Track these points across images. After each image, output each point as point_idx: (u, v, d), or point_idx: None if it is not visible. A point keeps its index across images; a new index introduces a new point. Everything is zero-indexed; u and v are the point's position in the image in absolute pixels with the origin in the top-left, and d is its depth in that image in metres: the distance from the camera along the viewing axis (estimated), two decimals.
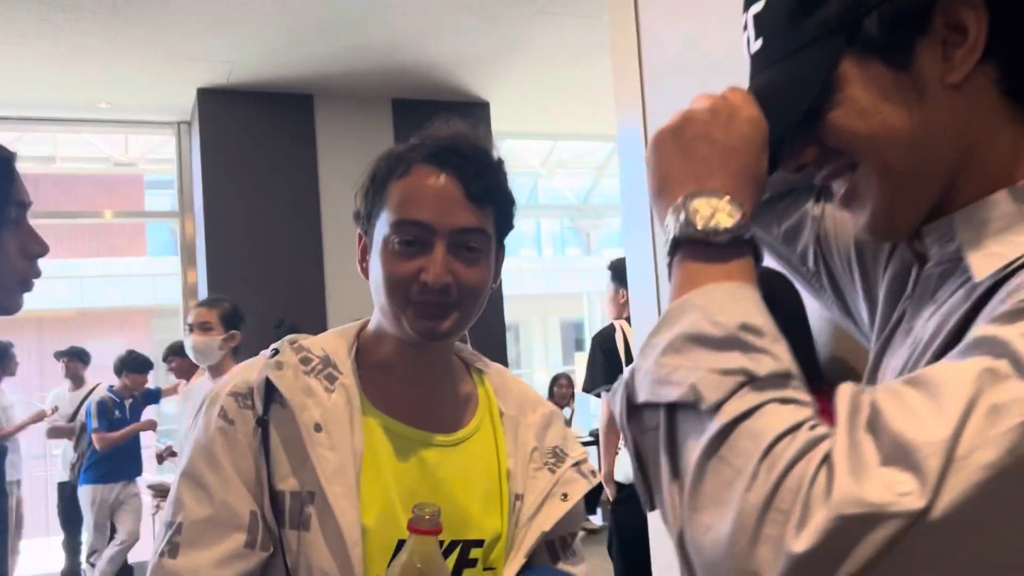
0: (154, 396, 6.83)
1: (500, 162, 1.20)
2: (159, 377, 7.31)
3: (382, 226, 1.15)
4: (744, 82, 0.82)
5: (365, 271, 1.20)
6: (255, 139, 6.42)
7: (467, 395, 1.26)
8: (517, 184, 6.87)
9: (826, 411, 1.68)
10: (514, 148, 9.32)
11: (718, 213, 0.69)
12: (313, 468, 1.07)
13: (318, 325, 6.21)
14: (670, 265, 0.72)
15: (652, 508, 0.65)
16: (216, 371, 3.65)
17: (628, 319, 3.98)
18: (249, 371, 1.15)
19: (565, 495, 1.20)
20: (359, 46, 5.75)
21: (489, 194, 1.16)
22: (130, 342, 6.83)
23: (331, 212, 6.50)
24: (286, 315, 5.79)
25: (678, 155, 0.75)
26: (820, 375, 1.84)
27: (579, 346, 14.65)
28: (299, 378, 1.12)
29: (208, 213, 6.31)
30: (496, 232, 1.19)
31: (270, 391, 1.11)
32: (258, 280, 6.17)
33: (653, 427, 0.63)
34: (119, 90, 6.32)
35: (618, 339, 4.05)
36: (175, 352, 5.87)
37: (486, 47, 5.89)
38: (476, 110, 6.92)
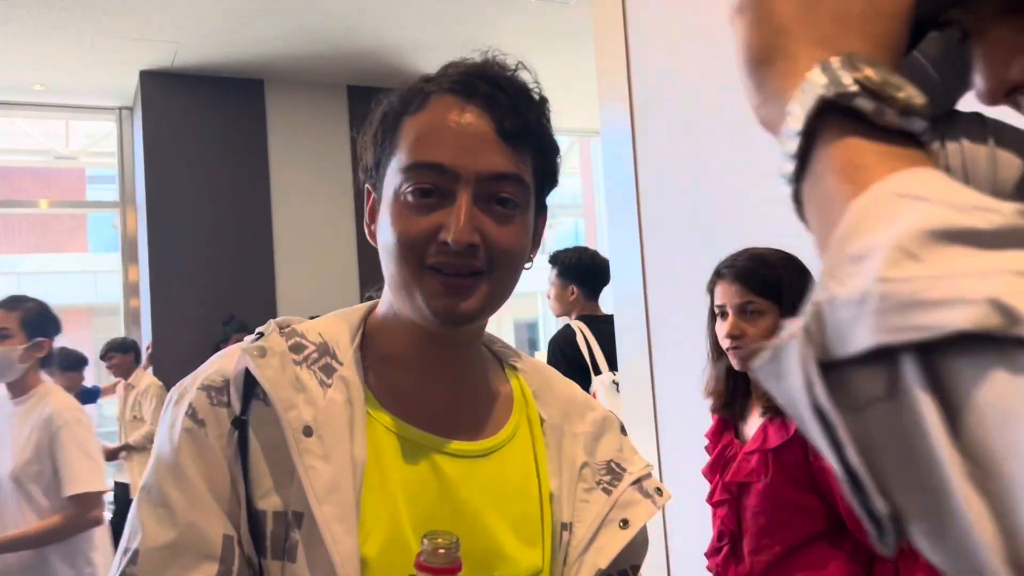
0: (91, 395, 6.52)
1: (543, 100, 0.98)
2: (99, 376, 6.99)
3: (393, 175, 0.94)
4: None
5: (373, 235, 0.98)
6: (202, 126, 6.18)
7: (499, 395, 1.04)
8: None
9: None
10: None
11: (891, 86, 0.45)
12: (300, 483, 0.86)
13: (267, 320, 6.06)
14: (809, 144, 0.47)
15: (897, 538, 0.37)
16: (18, 389, 2.92)
17: (582, 318, 3.72)
18: (227, 359, 0.94)
19: (625, 521, 0.98)
20: (312, 28, 5.49)
21: (527, 134, 0.94)
22: (71, 341, 6.52)
23: (282, 203, 6.30)
24: (235, 310, 5.56)
25: (797, 4, 0.51)
26: None
27: (534, 346, 14.49)
28: (287, 368, 0.91)
29: (151, 204, 6.06)
30: (536, 185, 0.97)
31: (250, 384, 0.90)
32: (204, 275, 5.98)
33: (882, 394, 0.37)
34: (55, 71, 5.97)
35: (580, 341, 3.74)
36: (114, 348, 5.63)
37: (447, 31, 5.65)
38: None
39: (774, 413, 1.81)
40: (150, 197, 6.04)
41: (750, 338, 1.81)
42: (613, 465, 1.02)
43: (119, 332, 6.50)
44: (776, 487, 1.81)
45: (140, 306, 6.57)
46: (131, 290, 6.79)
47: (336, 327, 0.98)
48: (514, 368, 1.08)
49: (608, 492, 0.99)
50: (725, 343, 1.86)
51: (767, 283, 1.82)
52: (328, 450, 0.87)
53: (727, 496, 1.90)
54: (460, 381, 1.01)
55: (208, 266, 6.00)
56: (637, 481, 1.02)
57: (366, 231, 1.00)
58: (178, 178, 6.06)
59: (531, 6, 5.28)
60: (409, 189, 0.91)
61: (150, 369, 5.79)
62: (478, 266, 0.90)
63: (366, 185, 1.01)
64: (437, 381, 0.99)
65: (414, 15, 5.36)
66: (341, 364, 0.94)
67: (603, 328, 3.50)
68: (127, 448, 5.40)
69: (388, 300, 0.99)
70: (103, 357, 5.54)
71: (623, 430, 1.09)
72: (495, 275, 0.92)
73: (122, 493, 5.40)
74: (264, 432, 0.89)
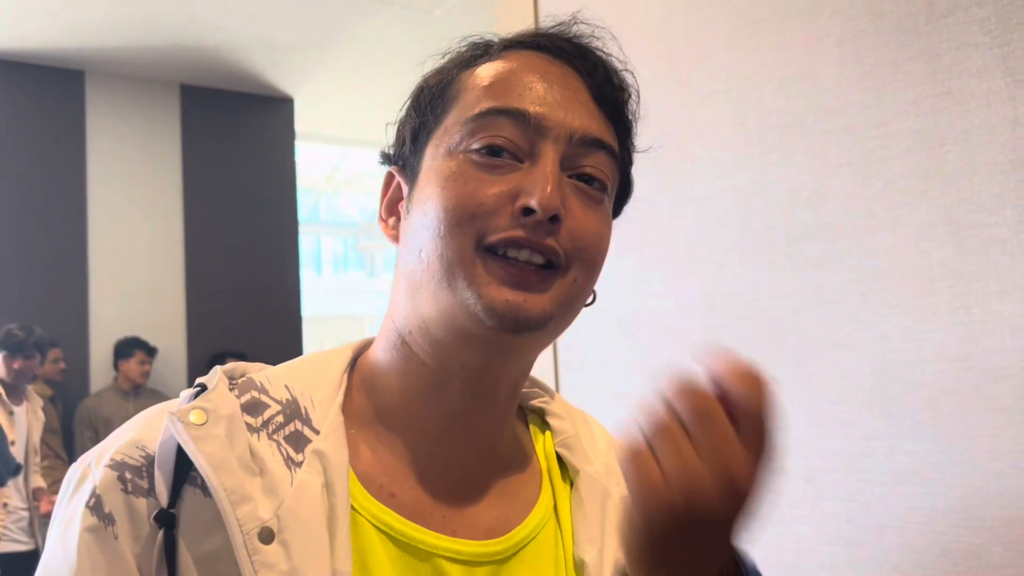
0: None
1: (633, 89, 0.79)
2: None
3: (446, 135, 0.72)
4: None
5: (391, 229, 0.76)
6: (8, 120, 5.49)
7: (528, 461, 0.80)
8: (301, 201, 6.14)
9: None
10: (302, 159, 8.62)
11: None
12: None
13: (78, 340, 5.38)
14: None
15: None
16: None
17: None
18: (149, 425, 0.69)
19: None
20: (142, 18, 4.95)
21: (623, 111, 0.75)
22: None
23: (100, 210, 5.69)
24: (41, 328, 4.91)
25: None
26: None
27: None
28: (237, 439, 0.66)
29: None
30: (614, 179, 0.75)
31: (184, 463, 0.66)
32: (2, 286, 5.22)
33: None
34: None
35: None
36: None
37: (302, 32, 5.21)
38: (278, 106, 6.32)
39: None
40: None
41: None
42: None
43: None
44: None
45: None
46: None
47: (311, 377, 0.73)
48: (537, 413, 0.83)
49: None
50: None
51: None
52: (297, 562, 0.63)
53: None
54: (491, 448, 0.75)
55: (7, 277, 5.28)
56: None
57: (380, 226, 0.78)
58: None
59: (395, 12, 4.93)
60: (476, 145, 0.68)
61: None
62: (556, 250, 0.67)
63: (389, 169, 0.79)
64: (460, 450, 0.73)
65: (264, 9, 4.88)
66: (317, 432, 0.69)
67: None
68: None
69: (392, 334, 0.74)
70: None
71: None
72: (570, 275, 0.69)
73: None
74: (201, 534, 0.64)
